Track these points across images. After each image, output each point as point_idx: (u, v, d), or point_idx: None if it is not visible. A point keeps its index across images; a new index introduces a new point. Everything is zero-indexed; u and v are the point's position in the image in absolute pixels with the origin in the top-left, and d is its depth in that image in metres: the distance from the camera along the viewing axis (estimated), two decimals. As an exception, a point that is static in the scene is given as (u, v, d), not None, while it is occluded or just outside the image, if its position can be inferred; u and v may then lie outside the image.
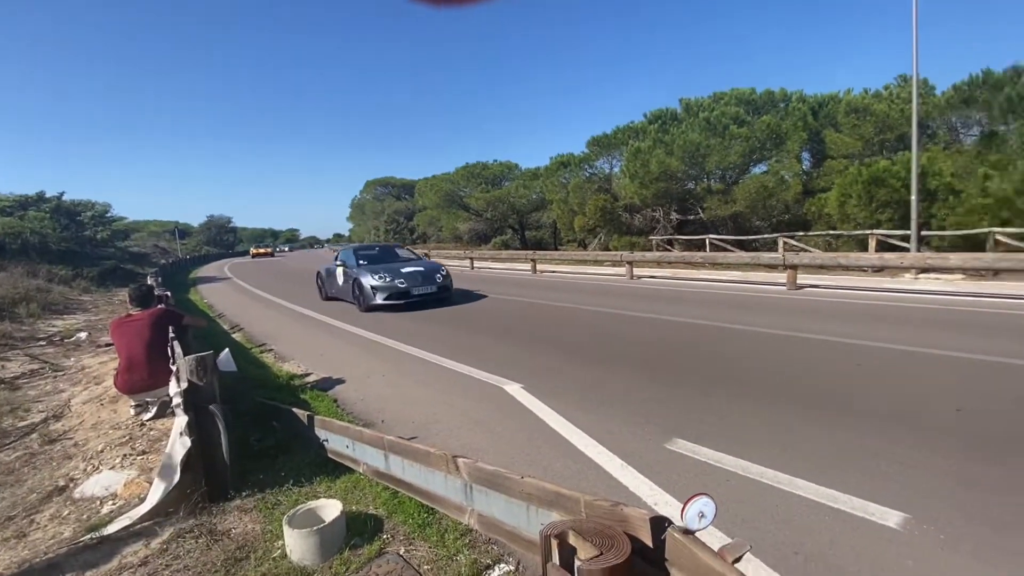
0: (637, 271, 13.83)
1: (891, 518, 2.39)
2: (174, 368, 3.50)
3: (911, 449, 3.03)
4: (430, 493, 2.08)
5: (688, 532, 1.06)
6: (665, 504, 2.62)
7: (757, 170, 20.61)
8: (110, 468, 3.43)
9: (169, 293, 9.10)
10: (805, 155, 21.31)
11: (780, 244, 15.87)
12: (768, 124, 18.98)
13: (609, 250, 20.87)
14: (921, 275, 10.73)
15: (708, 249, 17.66)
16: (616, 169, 25.07)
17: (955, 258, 9.11)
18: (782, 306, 8.24)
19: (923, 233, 12.81)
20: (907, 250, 12.14)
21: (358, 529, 2.56)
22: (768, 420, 3.60)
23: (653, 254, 14.98)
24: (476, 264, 20.33)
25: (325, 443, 3.13)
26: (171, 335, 4.30)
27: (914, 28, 11.24)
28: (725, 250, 17.03)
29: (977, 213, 13.11)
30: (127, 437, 3.93)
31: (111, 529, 2.67)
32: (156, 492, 2.80)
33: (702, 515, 1.05)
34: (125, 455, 3.60)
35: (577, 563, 1.02)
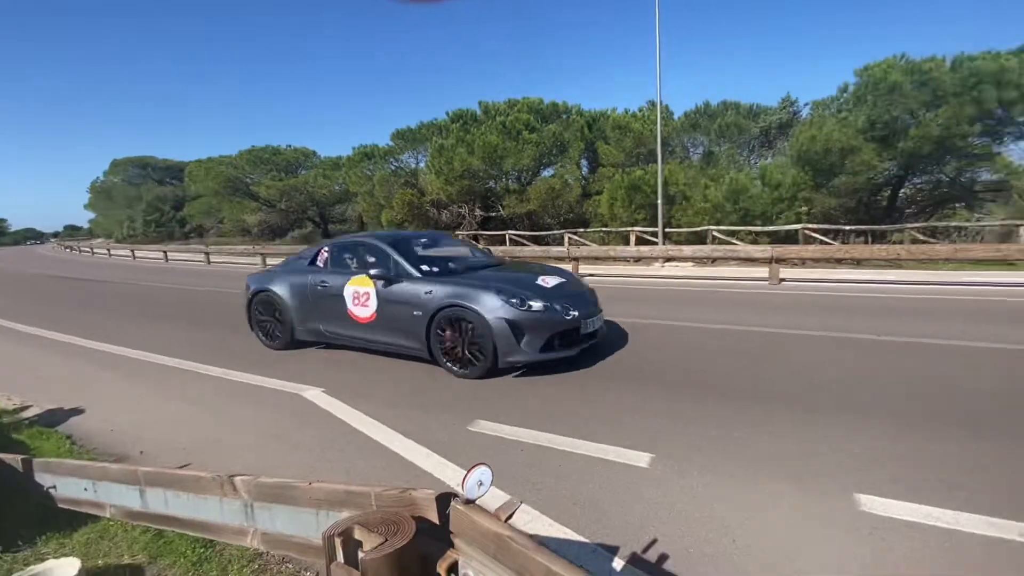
0: (445, 265, 14.17)
1: (643, 460, 2.95)
2: None
3: (655, 402, 3.79)
4: (204, 523, 1.81)
5: (469, 502, 1.14)
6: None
7: (547, 173, 23.00)
8: None
9: None
10: (584, 162, 24.58)
11: (566, 239, 18.06)
12: (554, 132, 21.33)
13: (417, 245, 20.90)
14: (667, 263, 13.42)
15: (508, 244, 19.08)
16: (422, 164, 25.18)
17: (687, 250, 11.66)
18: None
19: (667, 230, 16.02)
20: (656, 244, 15.03)
21: (107, 586, 2.09)
22: (554, 392, 4.08)
23: (459, 248, 15.54)
24: (269, 261, 18.23)
25: (52, 491, 2.46)
26: None
27: (657, 64, 13.90)
28: (522, 245, 18.62)
29: (701, 215, 16.93)
30: None
31: None
32: None
33: (480, 483, 1.15)
34: None
35: (360, 555, 1.02)
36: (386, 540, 1.04)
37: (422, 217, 23.27)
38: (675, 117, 23.28)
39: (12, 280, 16.82)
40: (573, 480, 2.76)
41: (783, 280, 9.67)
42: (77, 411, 4.23)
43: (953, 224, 16.87)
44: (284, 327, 5.69)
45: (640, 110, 23.19)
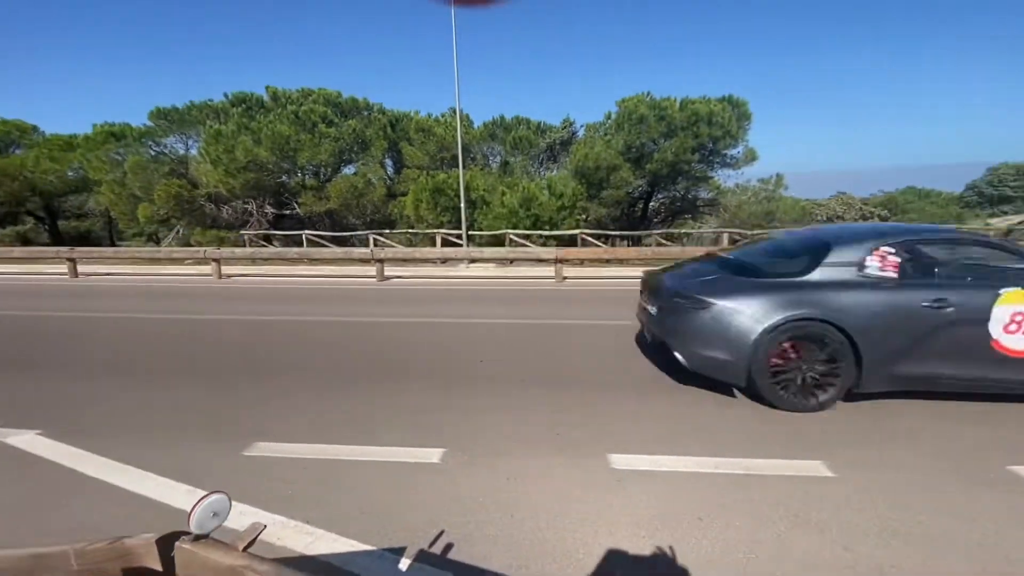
0: (227, 269, 12.38)
1: (435, 456, 3.04)
2: None
3: (448, 399, 3.94)
4: None
5: (200, 538, 1.02)
6: (254, 515, 2.46)
7: (348, 170, 21.93)
8: None
9: None
10: (388, 162, 24.15)
11: (371, 240, 17.50)
12: (355, 128, 20.45)
13: (191, 246, 17.81)
14: (471, 264, 14.05)
15: (305, 245, 17.62)
16: (193, 151, 21.50)
17: (488, 251, 12.40)
18: (372, 296, 9.13)
19: (470, 232, 16.80)
20: (460, 246, 15.64)
21: None
22: (343, 403, 3.92)
23: (245, 250, 13.75)
24: (-46, 268, 13.36)
25: None
26: None
27: (455, 73, 14.44)
28: (323, 246, 17.40)
29: (500, 219, 18.20)
30: None
31: None
32: None
33: (215, 514, 1.04)
34: None
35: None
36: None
37: (195, 213, 19.90)
38: (475, 126, 24.53)
39: None
40: (362, 489, 2.69)
41: (566, 278, 11.03)
42: None
43: (683, 231, 21.54)
44: (845, 373, 3.60)
45: (443, 115, 23.80)
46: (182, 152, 21.76)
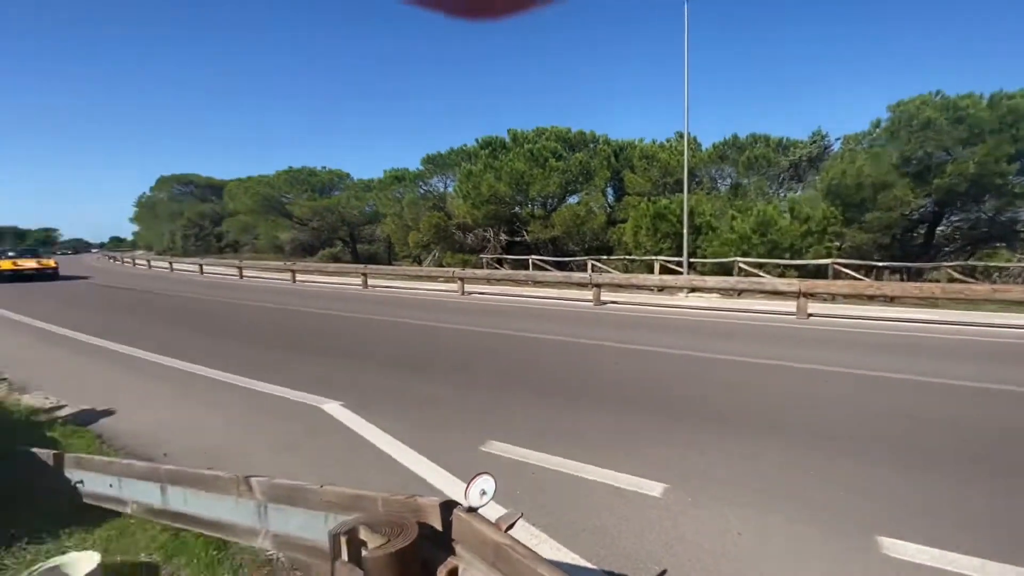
0: (468, 287, 14.31)
1: (655, 489, 2.89)
2: None
3: (674, 432, 3.72)
4: (218, 523, 1.87)
5: (472, 510, 1.17)
6: None
7: (572, 200, 23.18)
8: None
9: None
10: (609, 190, 24.70)
11: (589, 266, 18.04)
12: (580, 160, 21.59)
13: (443, 266, 21.20)
14: (691, 293, 13.24)
15: (531, 268, 19.17)
16: (450, 188, 25.71)
17: (712, 281, 11.50)
18: (589, 319, 9.37)
19: (692, 260, 15.87)
20: (681, 273, 14.89)
21: (123, 582, 2.15)
22: (569, 418, 4.05)
23: (483, 271, 15.71)
24: (299, 277, 18.72)
25: (79, 486, 2.56)
26: None
27: (686, 94, 14.04)
28: (545, 270, 18.69)
29: (727, 245, 16.73)
30: None
31: None
32: None
33: (484, 492, 1.17)
34: None
35: (364, 553, 1.05)
36: (389, 540, 1.07)
37: (448, 239, 23.64)
38: (703, 148, 23.30)
39: (57, 287, 17.66)
40: (583, 505, 2.73)
41: (811, 315, 9.43)
42: (108, 412, 4.40)
43: (993, 264, 16.21)
44: None
45: (667, 140, 23.31)
46: (442, 190, 26.30)
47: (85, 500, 2.56)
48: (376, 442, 3.61)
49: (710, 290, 12.74)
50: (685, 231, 14.50)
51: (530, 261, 19.77)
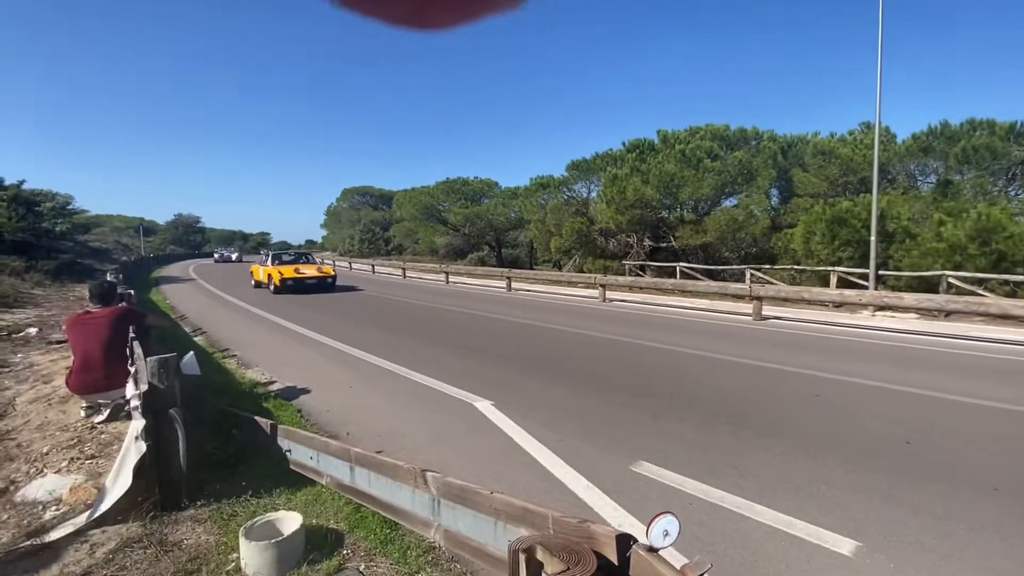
0: (609, 294, 14.04)
1: (844, 546, 2.47)
2: (132, 369, 3.37)
3: (864, 479, 3.15)
4: (396, 507, 2.06)
5: (652, 550, 1.09)
6: (630, 527, 2.64)
7: (728, 203, 21.34)
8: (55, 472, 3.25)
9: (132, 292, 8.67)
10: (774, 192, 22.21)
11: (747, 276, 16.39)
12: (740, 160, 19.75)
13: (583, 272, 21.15)
14: (878, 312, 11.22)
15: (678, 277, 18.09)
16: (594, 194, 25.56)
17: (909, 298, 9.59)
18: (748, 336, 8.49)
19: (881, 272, 13.46)
20: (866, 288, 12.70)
21: (318, 544, 2.49)
22: (731, 447, 3.68)
23: (626, 278, 15.25)
24: (451, 279, 20.27)
25: (288, 454, 3.05)
26: (131, 335, 4.14)
27: (878, 80, 11.98)
28: (695, 278, 17.47)
29: (932, 256, 13.84)
30: (76, 440, 3.74)
31: (53, 536, 2.53)
32: (105, 499, 2.67)
33: (666, 533, 1.09)
34: (72, 458, 3.41)
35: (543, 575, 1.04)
36: (567, 568, 1.05)
37: (589, 245, 23.51)
38: (898, 140, 19.67)
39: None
40: (752, 551, 2.44)
41: (1062, 348, 7.29)
42: (305, 391, 5.21)
43: None
44: None
45: (850, 133, 20.17)
46: (585, 195, 26.28)
47: (292, 467, 3.04)
48: (526, 447, 3.69)
49: (906, 309, 10.64)
50: (874, 238, 12.36)
51: (677, 269, 18.69)
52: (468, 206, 34.06)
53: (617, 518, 2.74)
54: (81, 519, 2.63)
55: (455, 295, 15.05)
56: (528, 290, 16.77)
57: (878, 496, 2.93)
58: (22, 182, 20.53)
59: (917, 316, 10.85)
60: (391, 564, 2.36)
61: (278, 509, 2.78)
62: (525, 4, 0.25)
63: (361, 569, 2.33)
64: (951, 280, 12.60)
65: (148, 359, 2.85)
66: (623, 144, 24.11)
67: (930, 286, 12.89)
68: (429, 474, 1.82)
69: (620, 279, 14.76)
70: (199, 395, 4.54)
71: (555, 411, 4.50)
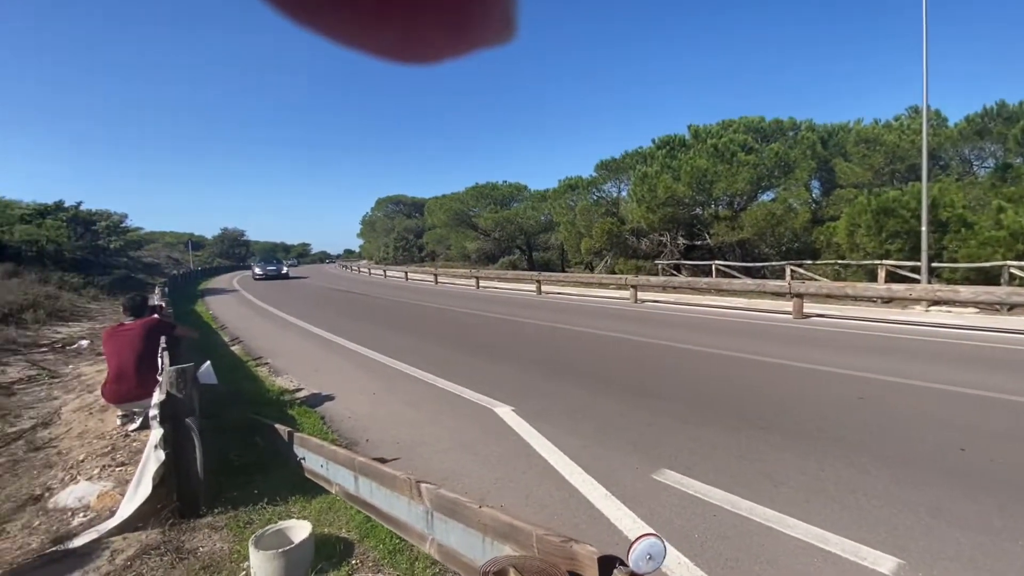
0: (642, 295, 13.72)
1: (884, 563, 2.26)
2: (160, 379, 3.47)
3: (911, 490, 2.89)
4: (395, 519, 2.01)
5: (634, 575, 0.98)
6: None
7: (765, 197, 20.55)
8: (87, 479, 3.38)
9: (164, 304, 9.03)
10: (814, 184, 21.26)
11: (787, 272, 15.70)
12: (776, 152, 18.99)
13: (615, 273, 20.80)
14: (932, 307, 10.51)
15: (714, 275, 17.52)
16: (624, 193, 25.16)
17: (966, 291, 8.91)
18: (787, 335, 8.09)
19: (934, 265, 12.62)
20: (917, 281, 11.93)
21: (327, 553, 2.48)
22: (762, 454, 3.47)
23: (658, 278, 14.88)
24: (482, 284, 20.32)
25: (303, 461, 3.06)
26: (162, 345, 4.29)
27: (924, 61, 11.28)
28: (731, 276, 16.87)
29: (991, 246, 12.88)
30: (110, 447, 3.89)
31: (77, 543, 2.61)
32: (127, 506, 2.75)
33: (650, 557, 0.98)
34: (104, 466, 3.55)
35: (509, 605, 0.95)
36: (538, 595, 0.96)
37: (620, 245, 23.10)
38: (949, 123, 18.49)
39: (313, 293, 22.28)
40: (781, 567, 2.26)
41: None
42: (330, 397, 5.27)
43: None
44: None
45: (896, 119, 19.10)
46: (615, 195, 25.89)
47: (307, 475, 3.05)
48: (544, 454, 3.58)
49: (964, 303, 9.91)
50: (924, 228, 11.61)
51: (713, 267, 18.10)
52: (498, 210, 34.15)
53: (635, 530, 2.60)
54: (104, 526, 2.70)
55: (484, 300, 15.06)
56: (558, 293, 16.60)
57: (925, 508, 2.68)
58: (79, 203, 21.94)
59: (976, 311, 10.10)
60: (398, 575, 2.31)
61: (292, 517, 2.78)
62: (514, 39, 0.24)
63: (368, 580, 2.29)
64: (1013, 271, 11.69)
65: (166, 369, 2.92)
66: (652, 141, 23.63)
67: (990, 278, 11.99)
68: (423, 486, 1.76)
69: (652, 279, 14.41)
70: (226, 403, 4.66)
71: (576, 416, 4.37)
